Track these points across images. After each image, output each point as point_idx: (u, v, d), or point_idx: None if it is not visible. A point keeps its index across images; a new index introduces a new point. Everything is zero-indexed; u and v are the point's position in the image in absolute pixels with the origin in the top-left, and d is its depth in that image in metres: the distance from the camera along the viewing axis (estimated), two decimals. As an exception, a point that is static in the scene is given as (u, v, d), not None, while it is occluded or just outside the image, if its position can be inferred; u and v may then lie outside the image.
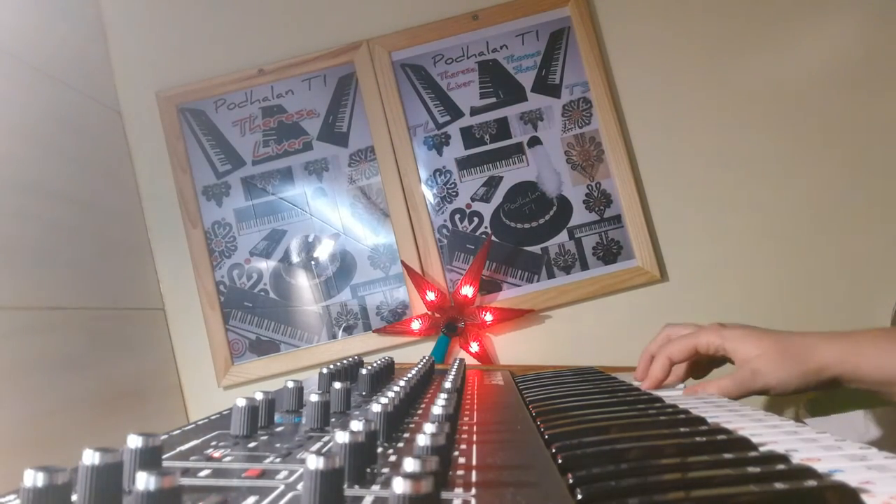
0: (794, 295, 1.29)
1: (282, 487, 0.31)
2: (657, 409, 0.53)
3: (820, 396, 1.14)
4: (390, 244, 1.34)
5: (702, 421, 0.46)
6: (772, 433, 0.44)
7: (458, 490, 0.31)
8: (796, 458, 0.35)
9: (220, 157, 1.38)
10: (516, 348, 1.31)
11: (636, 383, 0.75)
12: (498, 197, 1.34)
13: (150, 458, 0.30)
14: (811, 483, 0.30)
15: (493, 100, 1.37)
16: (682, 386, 0.77)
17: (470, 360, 1.27)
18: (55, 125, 1.14)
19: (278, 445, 0.40)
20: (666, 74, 1.35)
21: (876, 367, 0.62)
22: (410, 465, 0.26)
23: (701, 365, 0.81)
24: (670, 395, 0.64)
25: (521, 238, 1.33)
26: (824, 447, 0.39)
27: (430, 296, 1.28)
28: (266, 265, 1.35)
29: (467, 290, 1.28)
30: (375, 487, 0.31)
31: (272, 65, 1.38)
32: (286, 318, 1.34)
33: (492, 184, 1.35)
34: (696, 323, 0.77)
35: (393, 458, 0.37)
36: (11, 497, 0.27)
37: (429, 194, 1.35)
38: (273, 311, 1.34)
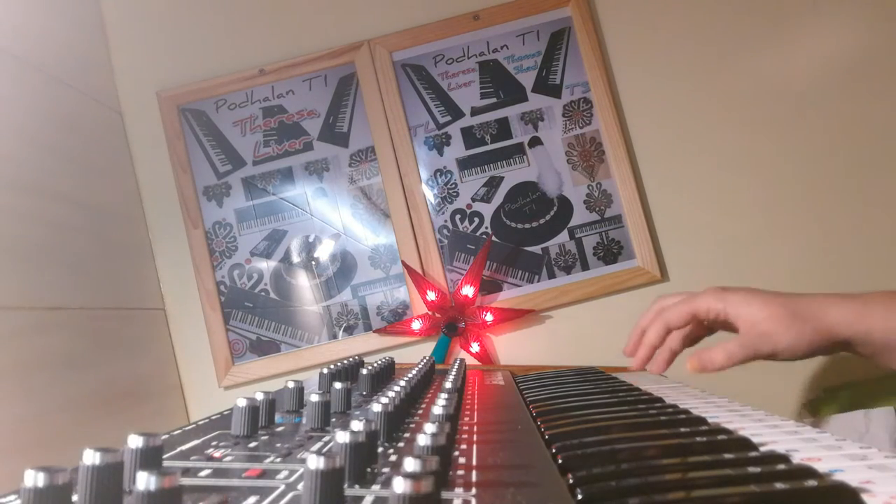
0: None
1: (282, 487, 0.31)
2: (658, 409, 0.53)
3: (820, 397, 1.14)
4: (391, 244, 1.34)
5: (702, 421, 0.46)
6: (772, 433, 0.43)
7: (459, 490, 0.31)
8: (797, 458, 0.35)
9: (220, 157, 1.38)
10: (517, 348, 1.31)
11: (637, 384, 0.74)
12: (499, 197, 1.34)
13: (150, 458, 0.30)
14: (812, 483, 0.30)
15: (494, 100, 1.37)
16: (685, 384, 0.74)
17: (470, 361, 1.27)
18: (55, 125, 1.14)
19: (279, 445, 0.40)
20: (666, 74, 1.35)
21: (887, 328, 0.60)
22: (411, 464, 0.26)
23: (694, 334, 0.75)
24: (686, 403, 0.61)
25: (521, 238, 1.33)
26: (825, 447, 0.39)
27: (431, 296, 1.28)
28: (267, 265, 1.35)
29: (468, 291, 1.28)
30: (376, 487, 0.31)
31: (273, 65, 1.38)
32: (287, 318, 1.34)
33: (492, 184, 1.35)
34: (691, 291, 0.72)
35: (393, 458, 0.37)
36: (12, 497, 0.27)
37: (429, 194, 1.35)
38: (273, 311, 1.34)
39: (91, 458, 0.25)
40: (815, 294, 0.63)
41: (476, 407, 0.57)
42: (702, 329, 0.73)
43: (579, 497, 0.30)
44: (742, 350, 0.62)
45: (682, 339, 0.73)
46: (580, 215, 1.33)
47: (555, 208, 1.33)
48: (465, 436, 0.43)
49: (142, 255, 1.34)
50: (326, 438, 0.43)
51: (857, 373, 1.13)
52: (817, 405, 1.12)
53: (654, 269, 1.29)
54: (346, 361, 0.72)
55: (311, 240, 1.36)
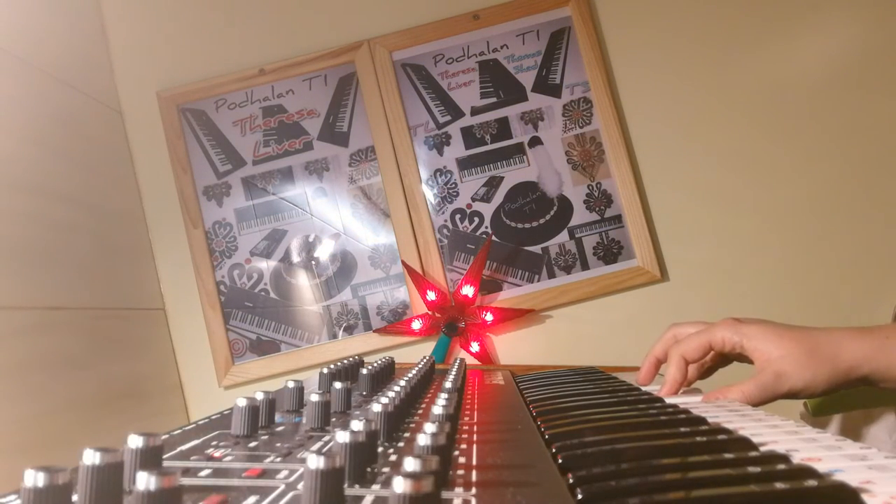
0: (795, 294, 1.29)
1: (282, 487, 0.31)
2: (658, 409, 0.53)
3: (820, 397, 1.13)
4: (391, 244, 1.34)
5: (702, 421, 0.46)
6: (772, 433, 0.43)
7: (459, 489, 0.31)
8: (797, 458, 0.35)
9: (220, 156, 1.38)
10: (517, 348, 1.31)
11: (638, 384, 0.74)
12: (499, 197, 1.34)
13: (150, 458, 0.30)
14: (812, 483, 0.30)
15: (494, 99, 1.37)
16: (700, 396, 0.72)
17: (470, 360, 1.27)
18: (56, 125, 1.14)
19: (279, 445, 0.40)
20: (666, 74, 1.35)
21: None
22: (411, 464, 0.26)
23: (707, 364, 0.74)
24: (686, 402, 0.61)
25: (521, 238, 1.33)
26: (825, 447, 0.39)
27: (431, 296, 1.28)
28: (266, 265, 1.35)
29: (468, 290, 1.28)
30: (376, 487, 0.31)
31: (273, 64, 1.38)
32: (287, 318, 1.34)
33: (492, 184, 1.35)
34: (704, 321, 0.71)
35: (393, 458, 0.37)
36: (12, 497, 0.27)
37: (429, 194, 1.35)
38: (273, 311, 1.34)
39: (91, 458, 0.25)
40: (831, 329, 0.62)
41: (476, 407, 0.57)
42: (715, 359, 0.73)
43: (579, 497, 0.30)
44: (760, 391, 0.62)
45: (697, 369, 0.73)
46: (580, 215, 1.33)
47: (555, 208, 1.33)
48: (465, 436, 0.43)
49: (142, 255, 1.34)
50: (326, 438, 0.43)
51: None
52: (817, 406, 1.12)
53: (654, 268, 1.29)
54: (346, 361, 0.72)
55: (311, 239, 1.36)
